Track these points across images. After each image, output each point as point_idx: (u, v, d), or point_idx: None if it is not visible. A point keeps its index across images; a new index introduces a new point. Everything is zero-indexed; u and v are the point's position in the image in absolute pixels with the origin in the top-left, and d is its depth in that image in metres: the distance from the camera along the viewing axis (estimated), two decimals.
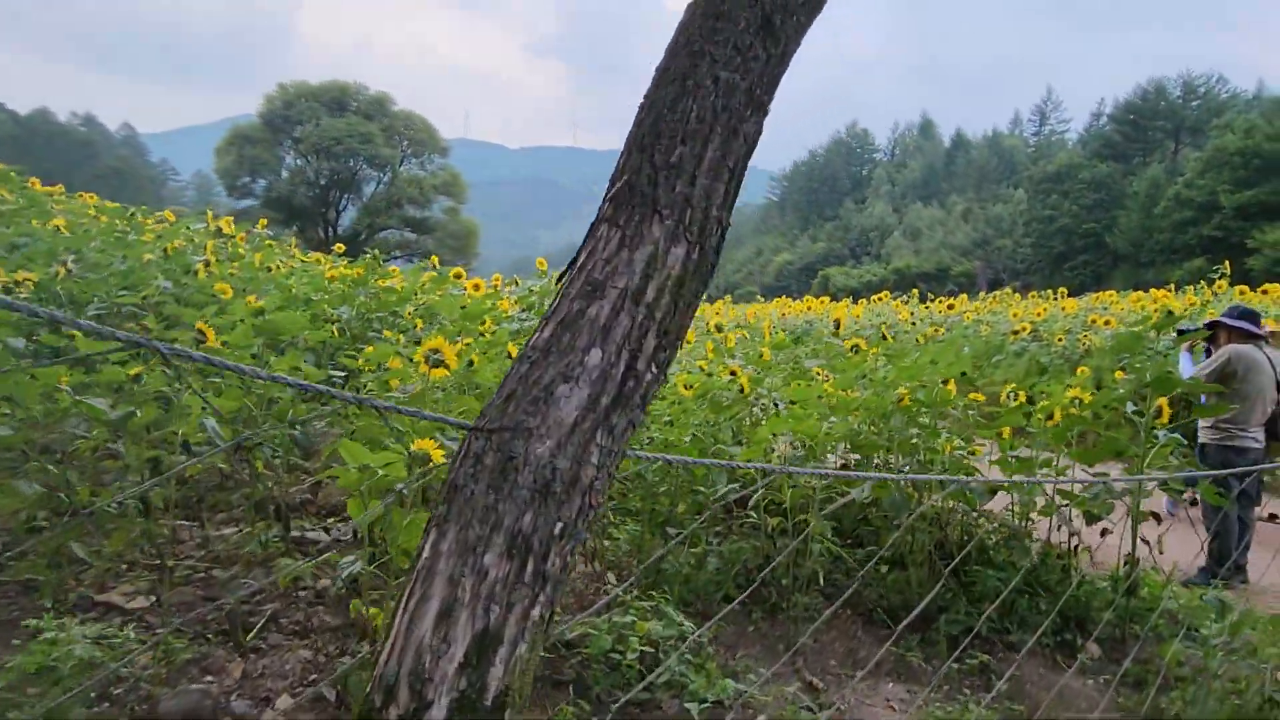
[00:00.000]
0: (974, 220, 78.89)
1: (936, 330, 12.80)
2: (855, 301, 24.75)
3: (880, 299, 15.09)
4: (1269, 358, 4.78)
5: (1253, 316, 4.84)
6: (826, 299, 21.49)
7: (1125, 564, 4.06)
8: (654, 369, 0.94)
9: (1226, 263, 10.61)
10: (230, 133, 43.48)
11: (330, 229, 44.79)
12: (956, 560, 2.92)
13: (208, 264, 6.29)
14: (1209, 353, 5.02)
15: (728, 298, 32.29)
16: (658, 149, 0.95)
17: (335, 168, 44.44)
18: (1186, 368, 5.00)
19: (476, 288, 7.94)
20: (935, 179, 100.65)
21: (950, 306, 12.57)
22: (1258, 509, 5.06)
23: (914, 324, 13.63)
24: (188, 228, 7.67)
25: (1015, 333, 11.20)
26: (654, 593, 2.96)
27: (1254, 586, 4.89)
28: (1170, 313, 3.72)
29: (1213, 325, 5.00)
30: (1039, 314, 11.70)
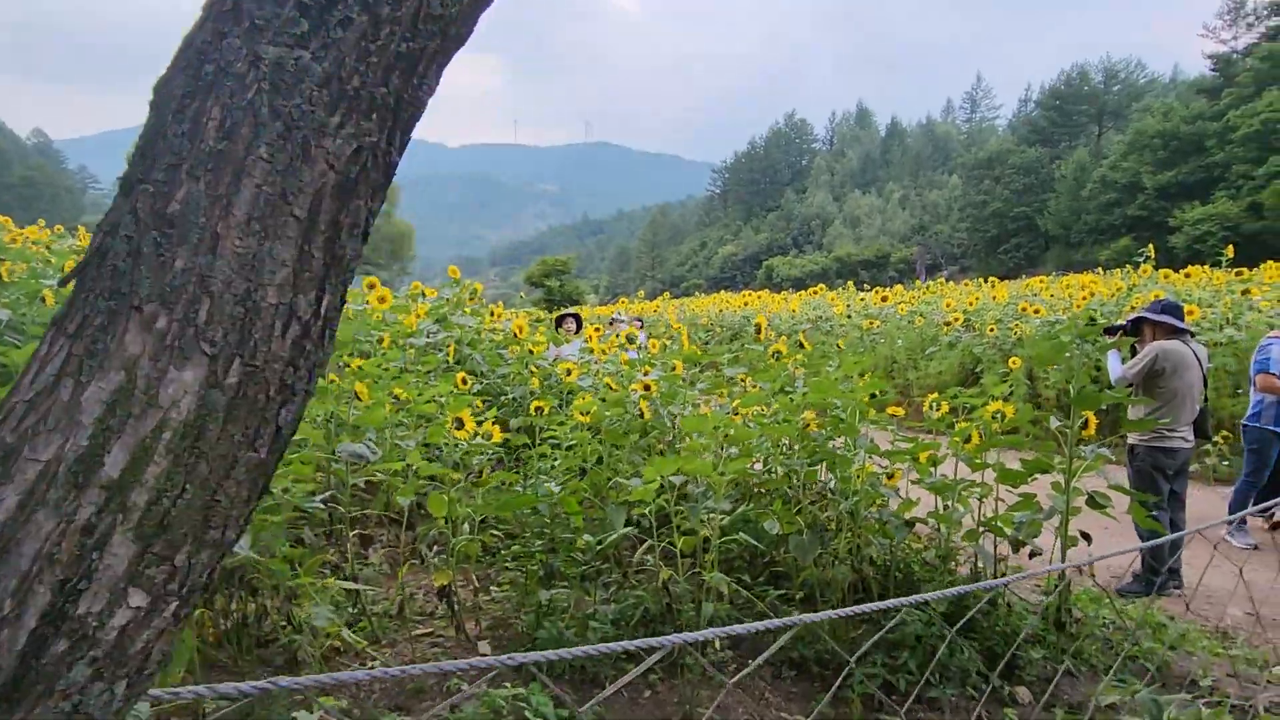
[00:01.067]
0: (911, 207, 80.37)
1: (871, 323, 12.65)
2: (797, 291, 24.67)
3: (815, 292, 14.91)
4: (1195, 352, 4.58)
5: (1176, 310, 4.63)
6: (764, 291, 21.35)
7: (1056, 588, 3.79)
8: (144, 611, 0.50)
9: (1151, 246, 10.62)
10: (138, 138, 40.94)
11: None
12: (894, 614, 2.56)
13: (61, 285, 5.62)
14: (1135, 350, 4.80)
15: (666, 294, 31.98)
16: (144, 189, 0.52)
17: None
18: (1115, 369, 4.77)
19: (382, 300, 7.37)
20: (873, 167, 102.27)
21: (884, 298, 12.40)
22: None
23: (849, 316, 13.47)
24: (48, 246, 6.91)
25: (948, 324, 11.08)
26: (523, 673, 2.54)
27: (1189, 591, 4.70)
28: (1093, 320, 3.45)
29: (1137, 321, 4.78)
30: (971, 303, 11.60)
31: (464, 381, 5.01)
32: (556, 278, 28.69)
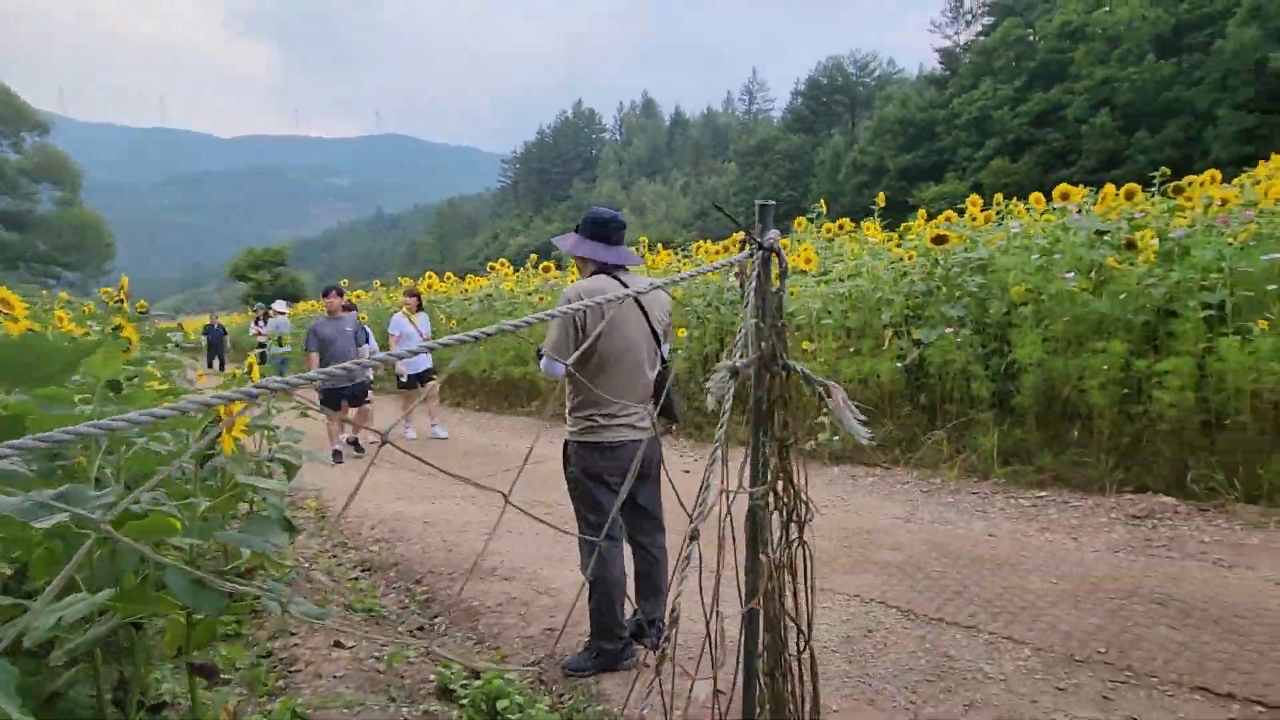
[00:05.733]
0: (693, 193, 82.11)
1: (543, 299, 10.96)
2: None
3: (494, 267, 13.05)
4: (636, 294, 2.96)
5: (607, 228, 2.99)
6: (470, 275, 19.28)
7: None
8: None
9: (822, 202, 9.67)
10: None
11: None
12: None
13: None
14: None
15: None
16: None
17: None
18: (548, 353, 3.06)
19: None
20: (659, 156, 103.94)
21: (546, 269, 10.77)
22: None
23: (527, 295, 11.69)
24: None
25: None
26: None
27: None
28: None
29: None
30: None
31: None
32: (268, 270, 24.83)
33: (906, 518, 4.62)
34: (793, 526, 1.14)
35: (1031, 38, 47.77)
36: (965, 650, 2.96)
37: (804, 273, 7.38)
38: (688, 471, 6.24)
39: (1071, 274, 5.20)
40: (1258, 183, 5.81)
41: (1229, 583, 3.37)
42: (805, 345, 6.67)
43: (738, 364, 1.12)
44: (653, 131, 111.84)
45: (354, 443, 7.69)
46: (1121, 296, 4.98)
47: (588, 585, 2.96)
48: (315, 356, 7.46)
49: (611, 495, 2.93)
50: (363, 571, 4.53)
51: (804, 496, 1.13)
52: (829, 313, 6.78)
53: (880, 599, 3.46)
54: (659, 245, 11.29)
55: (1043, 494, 4.86)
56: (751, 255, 1.27)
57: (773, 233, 1.31)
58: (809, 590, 1.18)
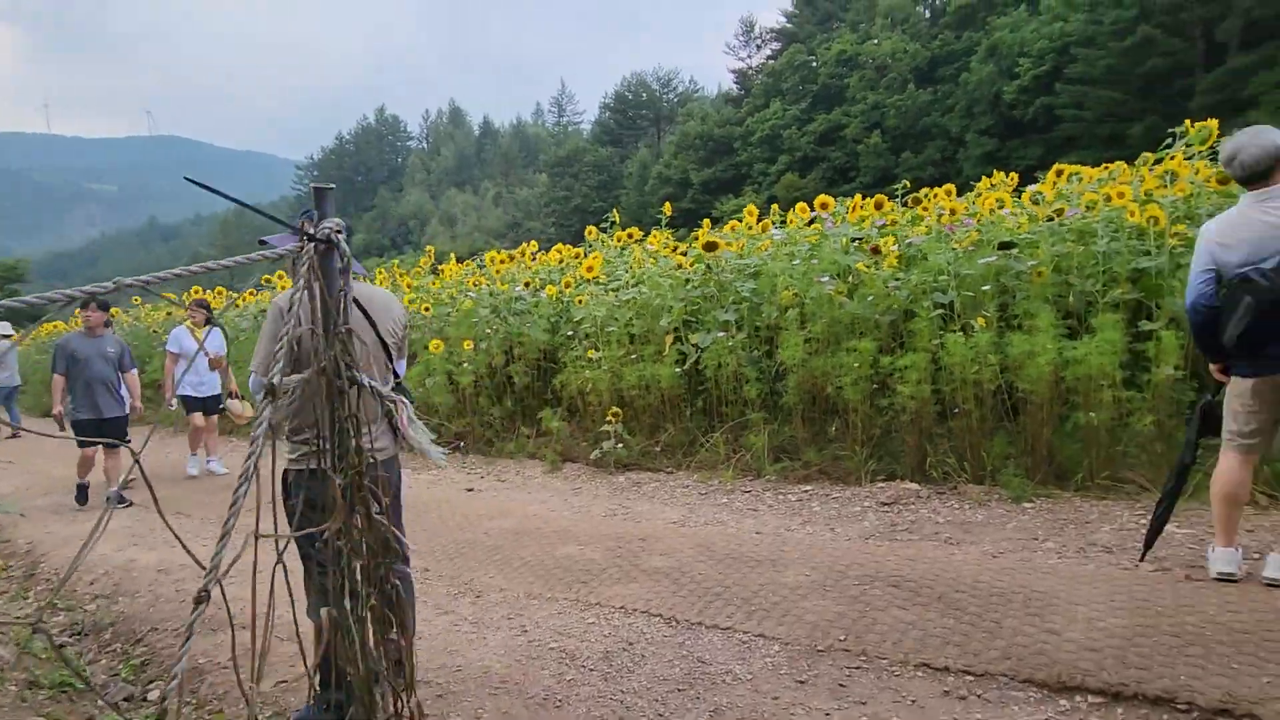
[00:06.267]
0: (504, 204, 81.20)
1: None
2: None
3: (272, 279, 12.02)
4: (356, 298, 2.70)
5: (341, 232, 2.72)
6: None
7: None
8: None
9: (615, 212, 9.71)
10: None
11: None
12: None
13: None
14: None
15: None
16: None
17: None
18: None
19: None
20: (468, 165, 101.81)
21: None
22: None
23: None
24: None
25: None
26: None
27: None
28: None
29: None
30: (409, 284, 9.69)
31: None
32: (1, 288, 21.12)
33: (682, 522, 4.66)
34: (377, 567, 0.97)
35: (814, 64, 51.77)
36: (719, 653, 2.97)
37: (591, 281, 7.36)
38: (471, 489, 5.97)
39: (828, 278, 5.53)
40: (980, 195, 6.51)
41: (954, 559, 3.66)
42: (591, 354, 6.63)
43: (276, 380, 0.94)
44: (461, 141, 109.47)
45: (120, 498, 6.33)
46: (870, 298, 5.36)
47: (317, 636, 2.65)
48: (60, 380, 6.32)
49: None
50: (71, 636, 3.87)
51: (389, 531, 0.97)
52: (615, 320, 6.78)
53: (645, 608, 3.42)
54: (450, 255, 10.88)
55: (808, 488, 5.10)
56: (303, 248, 1.09)
57: (332, 221, 1.14)
58: (407, 637, 1.02)
